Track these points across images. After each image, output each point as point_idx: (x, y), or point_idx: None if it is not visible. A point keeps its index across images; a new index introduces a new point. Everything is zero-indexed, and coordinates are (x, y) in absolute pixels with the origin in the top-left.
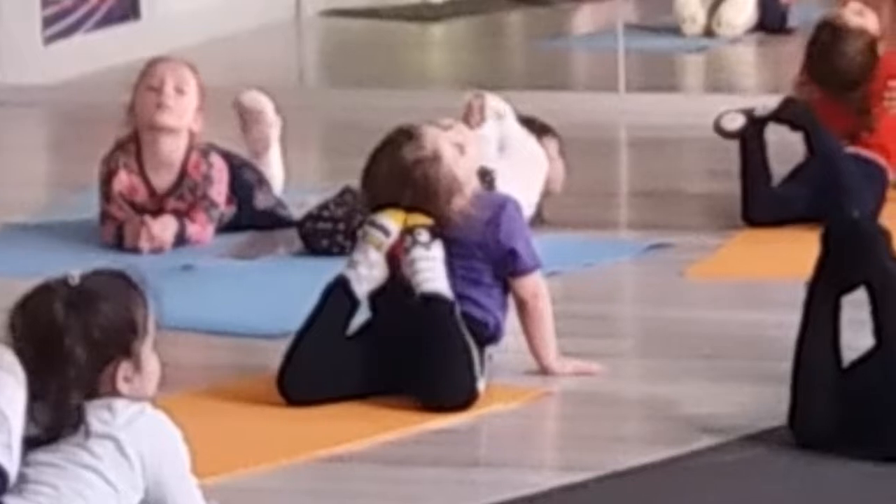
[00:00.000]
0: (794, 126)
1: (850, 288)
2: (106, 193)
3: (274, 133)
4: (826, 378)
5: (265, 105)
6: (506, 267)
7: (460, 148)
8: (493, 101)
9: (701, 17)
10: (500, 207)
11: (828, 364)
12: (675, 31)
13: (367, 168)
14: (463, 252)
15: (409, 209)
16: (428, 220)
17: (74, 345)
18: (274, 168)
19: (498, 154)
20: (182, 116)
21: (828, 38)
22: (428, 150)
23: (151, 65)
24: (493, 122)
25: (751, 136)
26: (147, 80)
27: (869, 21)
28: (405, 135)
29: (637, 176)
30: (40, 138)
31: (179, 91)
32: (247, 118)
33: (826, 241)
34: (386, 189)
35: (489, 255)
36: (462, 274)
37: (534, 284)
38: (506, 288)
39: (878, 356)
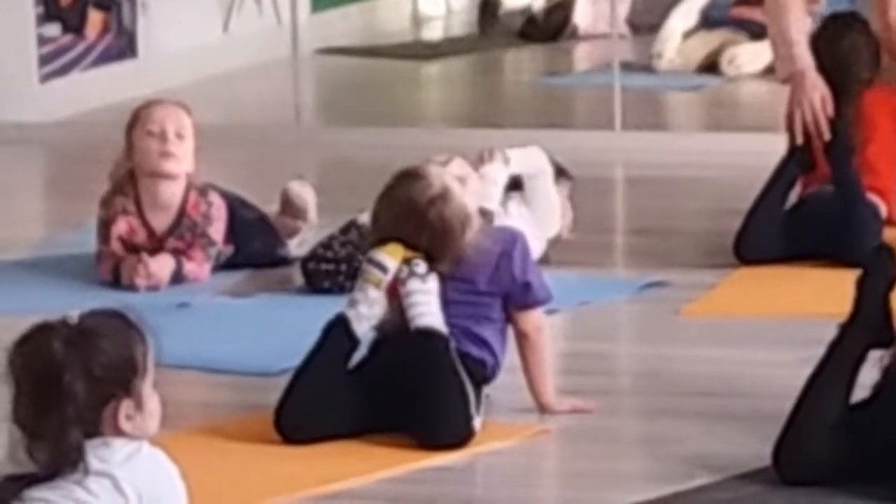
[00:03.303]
0: (828, 154)
1: (883, 345)
2: (104, 236)
3: (305, 230)
4: (831, 417)
5: (309, 204)
6: (518, 299)
7: (462, 180)
8: (507, 150)
9: (669, 52)
10: (513, 240)
11: (836, 404)
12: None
13: (377, 214)
14: (473, 287)
15: (424, 249)
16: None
17: (74, 382)
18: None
19: (519, 200)
20: (183, 162)
21: (848, 21)
22: (437, 189)
23: (147, 108)
24: (501, 166)
25: (795, 163)
26: (146, 126)
27: None
28: (410, 176)
29: (633, 214)
30: (36, 176)
31: (180, 136)
32: (286, 206)
33: (862, 289)
34: (400, 233)
35: (502, 287)
36: (469, 311)
37: (539, 318)
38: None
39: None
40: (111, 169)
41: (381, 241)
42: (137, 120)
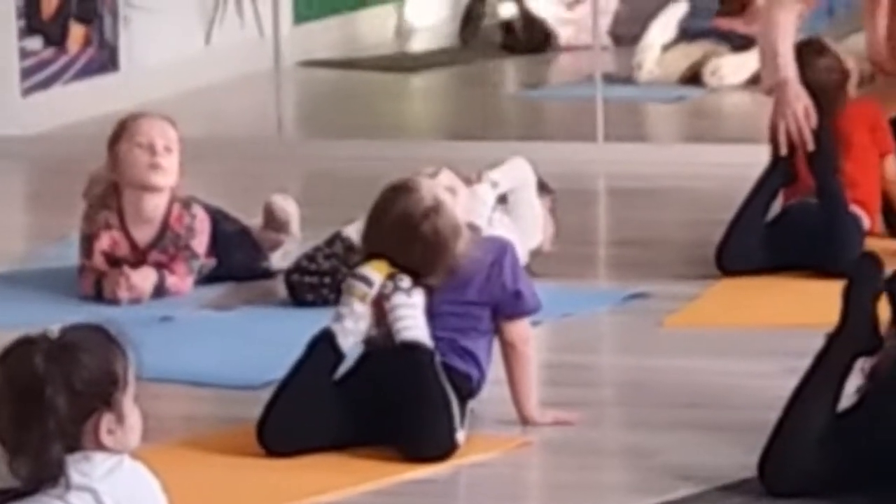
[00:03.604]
0: (811, 165)
1: (870, 353)
2: (87, 250)
3: (288, 244)
4: (818, 428)
5: (292, 217)
6: (508, 308)
7: (451, 191)
8: (493, 173)
9: (649, 64)
10: (503, 250)
11: (823, 415)
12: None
13: (368, 229)
14: (462, 297)
15: (416, 262)
16: None
17: (55, 396)
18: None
19: (502, 210)
20: (170, 175)
21: (811, 51)
22: (429, 201)
23: (135, 121)
24: (489, 188)
25: (778, 174)
26: (134, 138)
27: (849, 61)
28: (401, 189)
29: (615, 225)
30: (18, 190)
31: (168, 150)
32: (269, 220)
33: (848, 298)
34: (393, 248)
35: (492, 296)
36: (457, 323)
37: (526, 328)
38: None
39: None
40: (85, 188)
41: (373, 256)
42: (124, 132)
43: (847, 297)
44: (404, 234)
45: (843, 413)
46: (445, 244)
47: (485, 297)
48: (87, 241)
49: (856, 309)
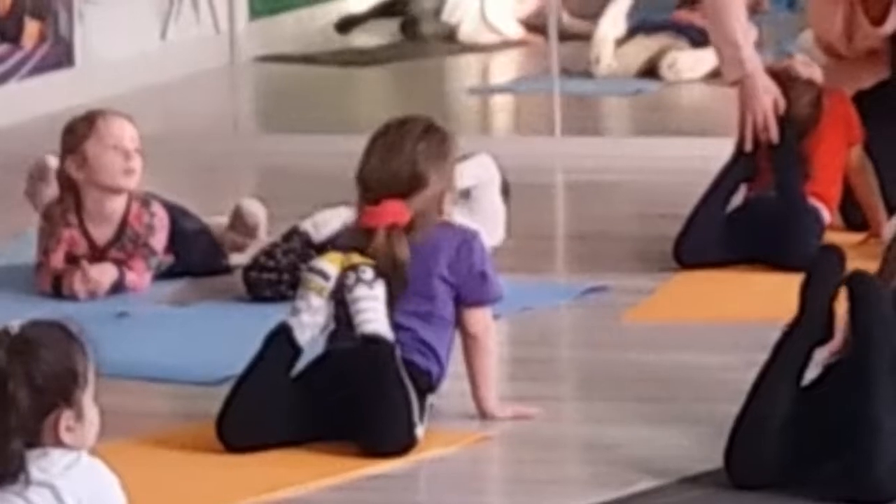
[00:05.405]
0: (772, 158)
1: (824, 342)
2: (45, 247)
3: (253, 247)
4: (780, 418)
5: (260, 221)
6: (471, 292)
7: None
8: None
9: (606, 58)
10: (473, 234)
11: (783, 406)
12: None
13: (364, 161)
14: (432, 269)
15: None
16: (368, 260)
17: (17, 390)
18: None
19: (464, 206)
20: (139, 177)
21: (781, 82)
22: (424, 122)
23: (104, 121)
24: None
25: (740, 168)
26: (104, 140)
27: (815, 73)
28: (397, 120)
29: (573, 219)
30: None
31: (137, 151)
32: (238, 223)
33: (807, 293)
34: (391, 165)
35: (459, 276)
36: (421, 307)
37: (488, 318)
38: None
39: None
40: (27, 187)
41: (368, 189)
42: (93, 132)
43: (805, 290)
44: (399, 145)
45: (802, 395)
46: (445, 155)
47: (452, 275)
48: (46, 238)
49: (813, 303)
